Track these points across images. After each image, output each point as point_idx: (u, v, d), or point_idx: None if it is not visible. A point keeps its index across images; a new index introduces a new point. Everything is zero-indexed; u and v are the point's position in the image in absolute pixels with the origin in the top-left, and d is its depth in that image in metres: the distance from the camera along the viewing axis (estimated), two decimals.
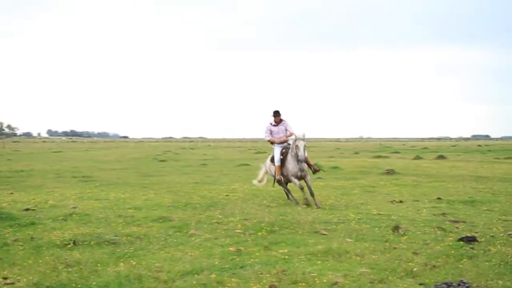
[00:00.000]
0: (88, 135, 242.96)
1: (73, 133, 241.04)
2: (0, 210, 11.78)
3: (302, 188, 13.91)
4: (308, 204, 13.39)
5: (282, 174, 14.50)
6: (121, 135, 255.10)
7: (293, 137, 14.39)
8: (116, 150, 66.33)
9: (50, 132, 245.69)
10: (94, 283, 6.73)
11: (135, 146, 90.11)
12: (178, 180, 21.13)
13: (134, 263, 7.71)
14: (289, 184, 14.90)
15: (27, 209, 12.60)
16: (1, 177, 22.41)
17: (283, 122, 14.82)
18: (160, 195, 15.72)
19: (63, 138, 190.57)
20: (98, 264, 7.62)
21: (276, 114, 14.72)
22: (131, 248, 8.71)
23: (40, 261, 7.83)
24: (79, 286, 6.60)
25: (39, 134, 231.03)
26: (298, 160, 13.76)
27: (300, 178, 14.16)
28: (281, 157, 14.47)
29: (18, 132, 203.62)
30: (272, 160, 15.02)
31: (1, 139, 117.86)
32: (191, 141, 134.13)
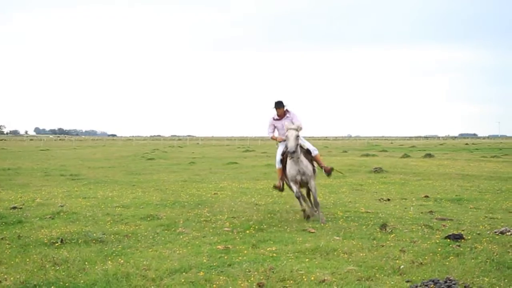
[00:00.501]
0: (76, 133, 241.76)
1: (61, 131, 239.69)
2: None
3: (298, 197, 11.48)
4: (307, 217, 11.29)
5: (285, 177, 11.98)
6: (109, 133, 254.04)
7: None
8: (104, 148, 66.03)
9: (37, 130, 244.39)
10: (82, 281, 6.72)
11: (123, 144, 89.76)
12: (166, 179, 21.10)
13: (122, 261, 7.70)
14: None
15: (14, 208, 12.53)
16: None
17: (288, 115, 12.12)
18: (148, 193, 15.69)
19: (51, 136, 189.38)
20: (86, 263, 7.60)
21: (279, 105, 12.05)
22: (119, 246, 8.69)
23: (28, 260, 7.79)
24: (66, 284, 6.58)
25: (26, 132, 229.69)
26: (288, 152, 11.04)
27: (302, 183, 11.51)
28: (281, 157, 11.90)
29: (5, 130, 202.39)
30: None
31: None
32: (179, 139, 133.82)
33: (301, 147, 11.50)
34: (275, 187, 12.32)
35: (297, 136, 11.11)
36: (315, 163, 11.87)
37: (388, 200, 14.06)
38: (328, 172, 12.05)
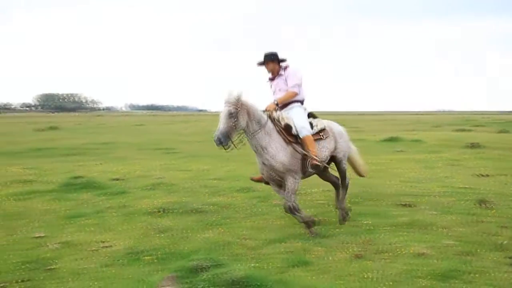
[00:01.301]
0: (168, 108, 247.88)
1: (154, 107, 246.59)
2: (92, 179, 12.39)
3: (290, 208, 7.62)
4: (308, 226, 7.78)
5: None
6: (200, 108, 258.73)
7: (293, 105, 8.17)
8: (196, 123, 67.32)
9: (131, 106, 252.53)
10: (185, 248, 7.03)
11: (213, 119, 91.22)
12: None
13: (221, 230, 7.98)
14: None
15: (116, 179, 13.13)
16: (89, 149, 23.35)
17: (282, 72, 8.23)
18: (241, 167, 15.92)
19: (144, 111, 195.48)
20: (188, 231, 7.93)
21: (268, 59, 8.20)
22: (218, 216, 8.98)
23: (133, 227, 8.24)
24: (172, 250, 6.91)
25: (121, 108, 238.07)
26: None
27: (277, 181, 7.86)
28: None
29: (101, 106, 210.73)
30: None
31: (86, 113, 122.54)
32: None
33: (275, 123, 7.72)
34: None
35: (231, 114, 7.18)
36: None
37: (486, 175, 13.61)
38: (312, 166, 7.73)
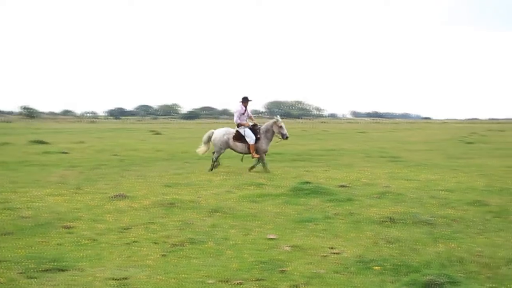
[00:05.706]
0: (391, 116, 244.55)
1: (376, 114, 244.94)
2: (320, 186, 12.67)
3: None
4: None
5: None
6: (423, 116, 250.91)
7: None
8: (420, 131, 65.59)
9: (353, 113, 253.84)
10: (416, 260, 6.86)
11: (439, 127, 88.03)
12: (490, 164, 20.04)
13: (453, 245, 7.65)
14: None
15: (342, 186, 13.25)
16: (315, 155, 24.02)
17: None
18: (471, 178, 15.17)
19: (366, 119, 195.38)
20: (417, 243, 7.75)
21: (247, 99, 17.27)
22: (448, 230, 8.63)
23: (361, 235, 8.29)
24: (402, 262, 6.78)
25: (343, 115, 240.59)
26: None
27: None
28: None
29: (325, 113, 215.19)
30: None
31: (310, 119, 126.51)
32: (498, 123, 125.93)
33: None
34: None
35: None
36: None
37: None
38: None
